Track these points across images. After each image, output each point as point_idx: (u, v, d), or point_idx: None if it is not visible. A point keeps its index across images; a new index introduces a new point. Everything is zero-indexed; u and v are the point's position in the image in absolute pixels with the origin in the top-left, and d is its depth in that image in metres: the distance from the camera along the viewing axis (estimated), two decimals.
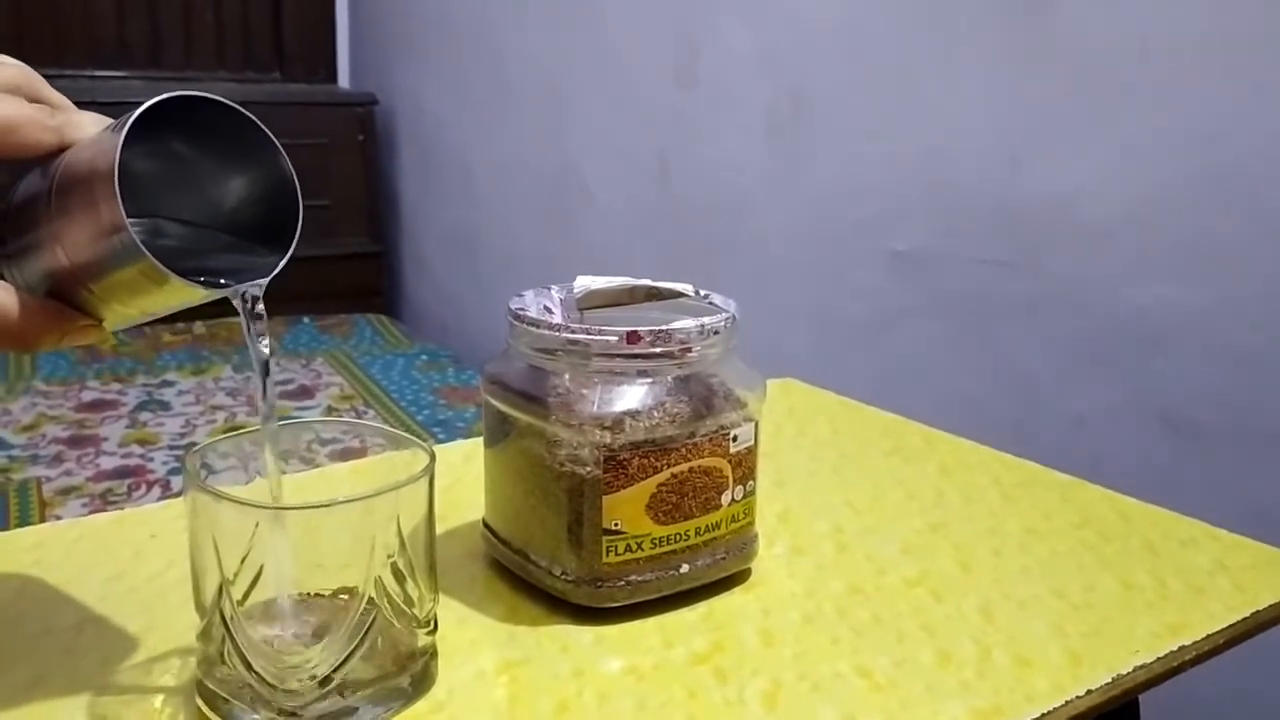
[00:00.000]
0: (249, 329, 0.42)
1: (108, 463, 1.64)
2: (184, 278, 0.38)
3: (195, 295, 0.40)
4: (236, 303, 0.41)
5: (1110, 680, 0.47)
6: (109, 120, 0.42)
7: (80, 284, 0.40)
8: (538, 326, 0.50)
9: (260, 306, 0.42)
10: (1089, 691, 0.46)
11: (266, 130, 0.42)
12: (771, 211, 1.55)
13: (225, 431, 1.75)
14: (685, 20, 1.69)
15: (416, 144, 2.66)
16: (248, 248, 0.43)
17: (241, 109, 0.41)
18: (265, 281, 0.42)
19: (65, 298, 0.41)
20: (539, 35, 2.09)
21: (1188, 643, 0.50)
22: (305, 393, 2.00)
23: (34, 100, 0.42)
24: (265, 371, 0.42)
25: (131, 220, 0.37)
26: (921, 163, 1.30)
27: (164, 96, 0.38)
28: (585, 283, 0.55)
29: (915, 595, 0.54)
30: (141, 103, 0.38)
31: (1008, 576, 0.56)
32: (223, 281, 0.40)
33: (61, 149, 0.41)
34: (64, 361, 2.14)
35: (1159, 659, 0.49)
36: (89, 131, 0.41)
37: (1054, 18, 1.14)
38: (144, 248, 0.37)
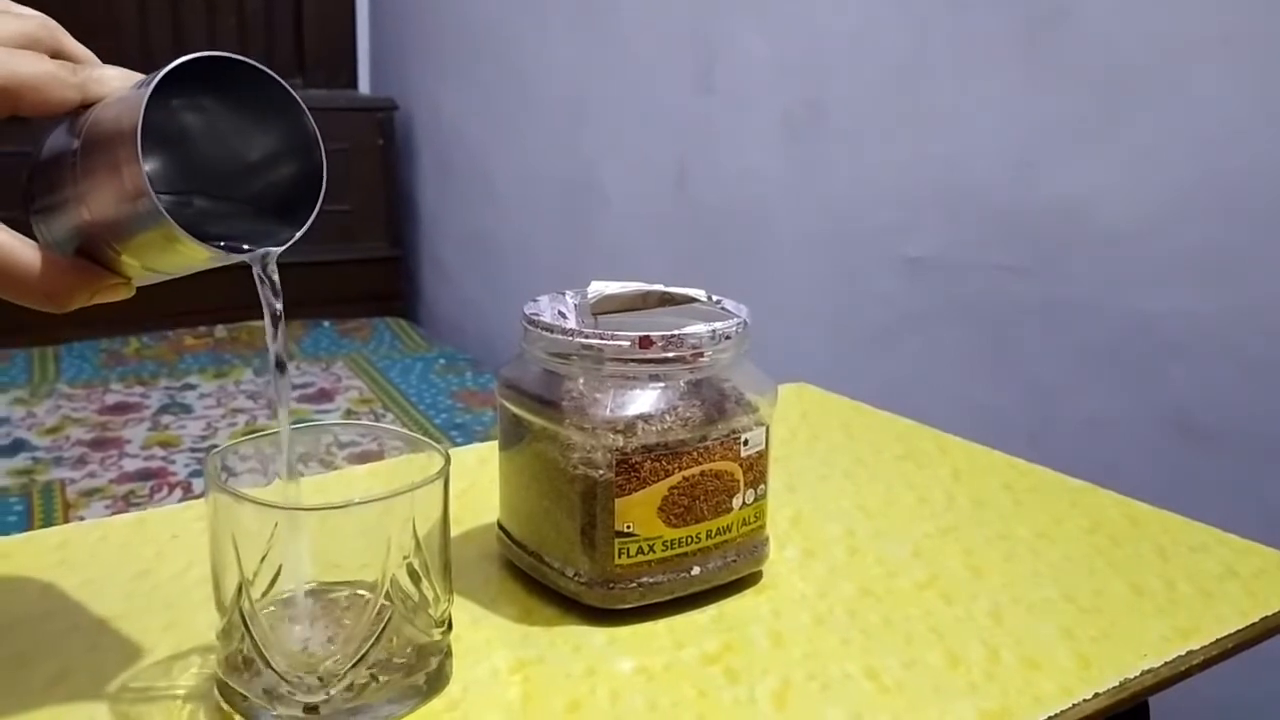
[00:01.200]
0: (264, 296, 0.42)
1: (130, 465, 1.66)
2: (203, 242, 0.39)
3: (215, 259, 0.40)
4: (256, 269, 0.42)
5: (1118, 683, 0.47)
6: (134, 75, 0.42)
7: (105, 243, 0.40)
8: (552, 331, 0.51)
9: (274, 273, 0.42)
10: (1096, 694, 0.46)
11: (293, 92, 0.42)
12: (787, 217, 1.56)
13: (246, 434, 1.77)
14: (703, 28, 1.69)
15: (435, 149, 2.68)
16: (270, 216, 0.44)
17: (268, 70, 0.41)
18: (282, 249, 0.42)
19: (92, 255, 0.41)
20: (558, 41, 2.10)
21: (1196, 647, 0.50)
22: (325, 396, 2.01)
23: (56, 53, 0.41)
24: (279, 331, 0.43)
25: (160, 192, 0.37)
26: (936, 169, 1.30)
27: (190, 57, 0.39)
28: (599, 288, 0.56)
29: (925, 598, 0.54)
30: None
31: (1018, 580, 0.56)
32: (245, 247, 0.41)
33: (86, 105, 0.41)
34: (87, 365, 2.17)
35: (1167, 663, 0.49)
36: (114, 86, 0.41)
37: (1068, 24, 1.14)
38: (165, 213, 0.37)
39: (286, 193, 0.43)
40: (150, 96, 0.37)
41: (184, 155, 0.44)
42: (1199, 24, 1.02)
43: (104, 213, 0.39)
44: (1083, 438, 1.15)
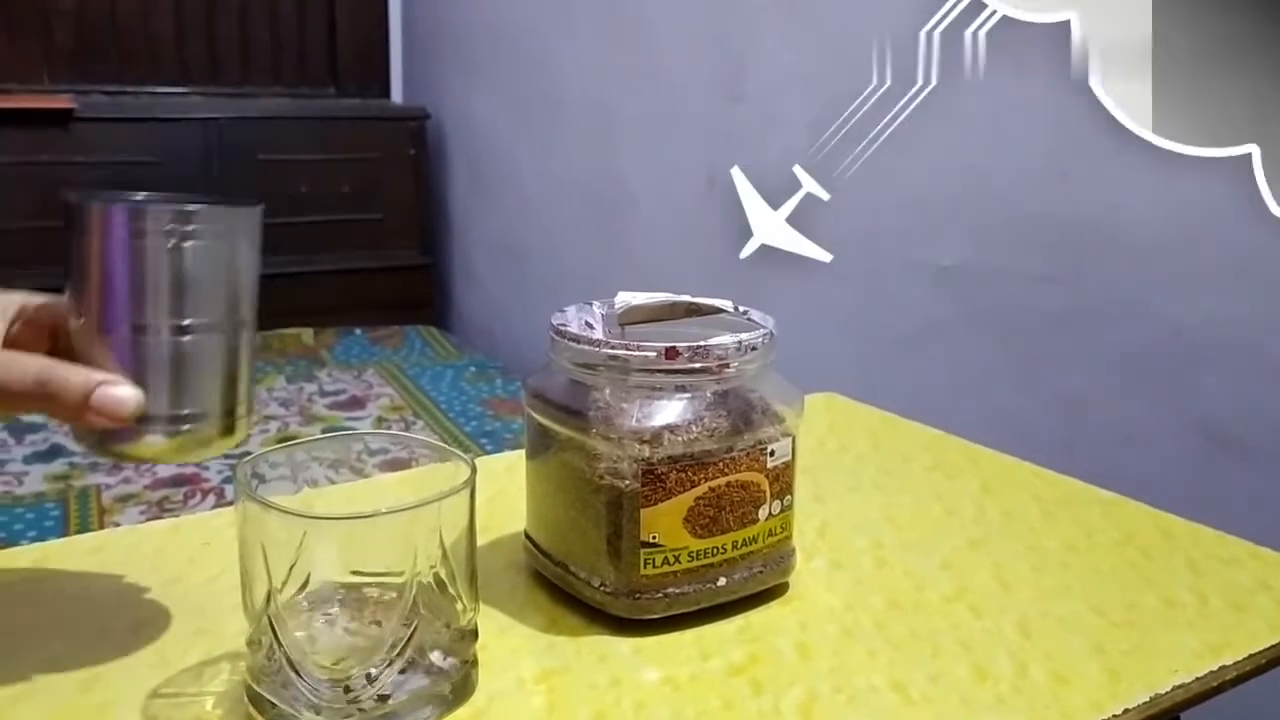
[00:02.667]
0: None
1: (164, 471, 1.68)
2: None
3: None
4: None
5: (1148, 699, 0.47)
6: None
7: None
8: (579, 342, 0.51)
9: None
10: (1126, 710, 0.46)
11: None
12: (817, 226, 1.55)
13: (277, 441, 1.78)
14: (732, 37, 1.69)
15: (467, 157, 2.69)
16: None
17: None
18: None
19: None
20: (588, 51, 2.11)
21: (1229, 662, 0.50)
22: (356, 403, 2.03)
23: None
24: None
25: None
26: (965, 178, 1.30)
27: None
28: (626, 298, 0.56)
29: (953, 611, 0.54)
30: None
31: (1047, 593, 0.56)
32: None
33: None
34: None
35: (1198, 678, 0.49)
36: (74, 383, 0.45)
37: None
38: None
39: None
40: None
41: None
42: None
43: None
44: (1113, 448, 1.14)
